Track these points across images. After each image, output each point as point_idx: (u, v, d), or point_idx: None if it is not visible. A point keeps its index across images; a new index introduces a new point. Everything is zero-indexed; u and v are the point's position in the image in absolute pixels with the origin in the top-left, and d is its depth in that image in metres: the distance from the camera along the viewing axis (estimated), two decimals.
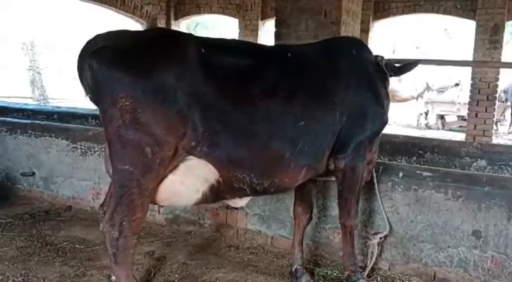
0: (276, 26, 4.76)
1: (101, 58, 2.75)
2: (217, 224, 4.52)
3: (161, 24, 13.66)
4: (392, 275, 3.75)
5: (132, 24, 13.30)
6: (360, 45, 3.49)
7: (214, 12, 13.70)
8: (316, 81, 3.12)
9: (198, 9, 13.94)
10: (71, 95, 16.53)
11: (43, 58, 17.72)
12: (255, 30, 12.67)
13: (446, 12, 10.98)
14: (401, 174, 3.67)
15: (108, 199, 3.31)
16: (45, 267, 3.76)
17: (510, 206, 3.35)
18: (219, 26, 16.12)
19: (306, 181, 3.45)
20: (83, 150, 5.07)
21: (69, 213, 5.10)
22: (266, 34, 12.37)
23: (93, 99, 2.92)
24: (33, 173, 5.43)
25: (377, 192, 3.65)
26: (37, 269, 3.73)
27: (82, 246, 4.22)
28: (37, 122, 5.80)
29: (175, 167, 2.90)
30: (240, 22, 13.00)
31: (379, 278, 3.71)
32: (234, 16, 13.24)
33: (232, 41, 3.37)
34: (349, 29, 4.69)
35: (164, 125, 2.72)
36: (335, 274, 3.76)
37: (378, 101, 3.28)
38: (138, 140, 2.71)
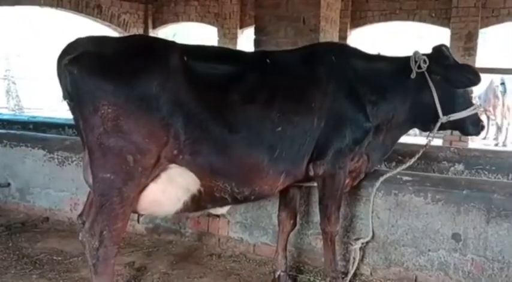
0: (256, 33, 4.78)
1: (82, 64, 2.70)
2: (199, 232, 4.48)
3: (139, 32, 13.56)
4: (374, 280, 3.76)
5: (110, 33, 13.19)
6: (341, 51, 3.48)
7: (192, 21, 13.70)
8: (294, 87, 3.12)
9: (176, 18, 13.92)
10: (46, 104, 16.31)
11: (18, 68, 17.44)
12: (234, 39, 12.70)
13: (421, 20, 11.19)
14: (381, 178, 3.69)
15: (87, 209, 3.24)
16: (22, 281, 3.67)
17: (489, 208, 3.40)
18: (198, 35, 16.10)
19: (290, 187, 3.47)
20: (60, 160, 4.98)
21: (46, 224, 4.98)
22: (246, 41, 12.40)
23: (72, 105, 2.87)
24: (9, 184, 5.31)
25: (371, 199, 3.66)
26: None
27: (60, 258, 4.13)
28: (12, 132, 5.67)
29: (157, 176, 2.87)
30: (218, 30, 13.02)
31: None
32: (213, 24, 13.26)
33: (213, 47, 3.38)
34: (328, 36, 4.73)
35: (147, 133, 2.70)
36: (318, 280, 3.77)
37: (358, 108, 3.24)
38: (120, 148, 2.68)
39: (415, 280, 3.64)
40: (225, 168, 2.90)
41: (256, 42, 4.76)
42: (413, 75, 3.28)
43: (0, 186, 5.32)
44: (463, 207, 3.46)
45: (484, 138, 14.78)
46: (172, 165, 2.85)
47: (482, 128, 3.50)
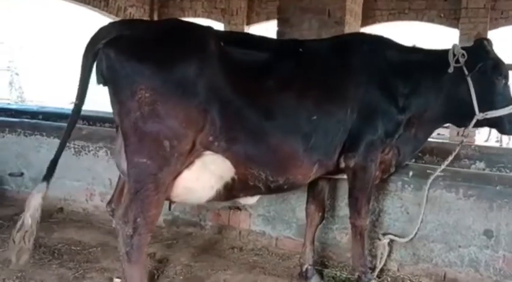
0: (279, 25, 4.71)
1: (120, 47, 2.66)
2: (219, 225, 4.41)
3: None
4: (401, 276, 3.70)
5: None
6: (374, 41, 3.41)
7: (199, 16, 13.61)
8: (328, 76, 3.09)
9: (182, 13, 13.83)
10: (48, 97, 16.17)
11: (22, 59, 17.29)
12: None
13: (430, 20, 11.16)
14: (411, 173, 3.63)
15: (117, 196, 3.18)
16: (42, 270, 3.59)
17: None
18: None
19: (319, 179, 3.42)
20: (77, 150, 4.89)
21: (61, 215, 4.90)
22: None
23: (109, 89, 2.81)
24: (22, 174, 5.21)
25: (424, 197, 3.53)
26: (33, 271, 3.54)
27: (78, 248, 4.05)
28: (26, 120, 5.58)
29: (191, 163, 2.82)
30: (225, 27, 12.94)
31: (388, 279, 3.66)
32: (219, 21, 13.18)
33: (247, 34, 3.32)
34: (352, 29, 4.67)
35: (183, 118, 2.65)
36: (344, 275, 3.70)
37: (391, 100, 3.18)
38: (157, 132, 2.64)
39: (444, 276, 3.59)
40: (261, 155, 2.87)
41: (279, 34, 4.69)
42: (450, 70, 3.20)
43: (13, 176, 5.23)
44: (495, 203, 3.41)
45: (486, 140, 14.76)
46: (207, 152, 2.80)
47: None
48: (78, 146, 4.87)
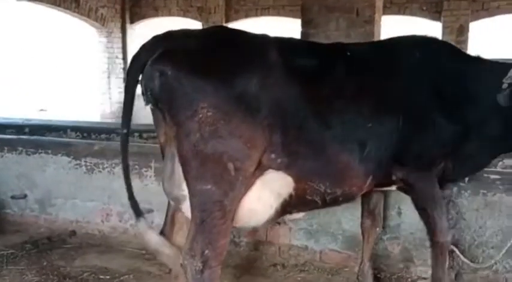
0: (303, 25, 4.46)
1: (175, 63, 2.38)
2: (256, 241, 4.14)
3: (116, 27, 12.97)
4: None
5: (87, 29, 12.54)
6: (428, 46, 3.11)
7: (173, 15, 13.17)
8: (381, 83, 2.86)
9: (155, 12, 13.36)
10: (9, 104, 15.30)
11: None
12: None
13: (412, 13, 11.19)
14: (467, 178, 3.48)
15: (169, 225, 2.88)
16: None
17: None
18: None
19: (373, 193, 3.23)
20: (89, 168, 4.51)
21: (75, 239, 4.52)
22: None
23: (161, 110, 2.51)
24: (25, 195, 4.78)
25: None
26: None
27: (108, 277, 3.74)
28: (25, 137, 5.12)
29: (253, 183, 2.58)
30: (203, 25, 12.53)
31: None
32: (196, 19, 12.80)
33: (299, 41, 3.10)
34: (378, 27, 4.49)
35: (248, 137, 2.42)
36: None
37: (444, 111, 2.90)
38: (220, 154, 2.38)
39: None
40: (322, 167, 2.68)
41: (304, 35, 4.43)
42: (504, 87, 2.84)
43: (15, 198, 4.79)
44: None
45: None
46: (268, 171, 2.57)
47: None
48: (91, 163, 4.49)
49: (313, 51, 2.90)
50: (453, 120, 2.91)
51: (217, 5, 12.31)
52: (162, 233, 2.93)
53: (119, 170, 4.39)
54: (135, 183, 4.27)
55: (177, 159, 2.52)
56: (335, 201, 2.86)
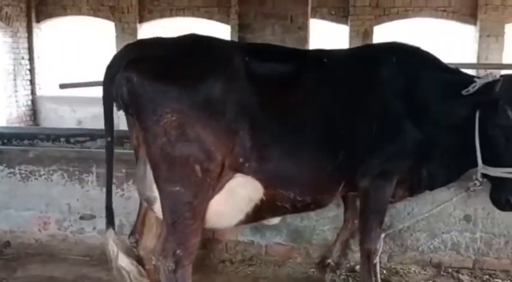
0: (240, 30, 4.63)
1: (140, 70, 2.48)
2: (203, 239, 4.23)
3: (22, 27, 12.22)
4: None
5: None
6: (405, 53, 3.09)
7: (83, 14, 12.67)
8: (354, 90, 2.93)
9: (63, 11, 12.75)
10: None
11: None
12: (133, 34, 12.06)
13: (322, 17, 11.79)
14: None
15: (140, 226, 2.93)
16: None
17: None
18: (91, 30, 14.94)
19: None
20: (23, 176, 4.33)
21: (11, 249, 4.32)
22: (146, 37, 11.87)
23: (132, 115, 2.59)
24: None
25: None
26: None
27: None
28: None
29: (222, 187, 2.69)
30: (116, 25, 12.26)
31: None
32: (108, 19, 12.43)
33: (270, 46, 3.23)
34: (309, 33, 4.80)
35: (213, 141, 2.52)
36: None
37: (415, 119, 2.92)
38: (187, 157, 2.49)
39: None
40: (291, 174, 2.76)
41: (241, 40, 4.62)
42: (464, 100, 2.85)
43: None
44: None
45: None
46: (237, 175, 2.68)
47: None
48: (26, 171, 4.32)
49: (284, 57, 2.95)
50: (420, 130, 2.92)
51: (130, 5, 12.07)
52: (133, 233, 2.98)
53: (57, 176, 4.31)
54: (76, 189, 4.29)
55: (148, 162, 2.60)
56: (306, 208, 2.96)
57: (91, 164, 4.26)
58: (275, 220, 3.14)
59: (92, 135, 4.63)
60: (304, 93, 2.82)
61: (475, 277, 3.81)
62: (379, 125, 2.89)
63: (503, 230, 3.84)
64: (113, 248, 2.72)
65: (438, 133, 2.95)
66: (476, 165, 2.93)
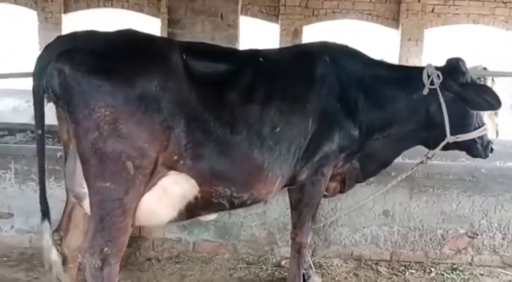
0: (169, 25, 4.58)
1: (74, 62, 2.39)
2: (129, 237, 4.17)
3: None
4: None
5: None
6: (336, 52, 3.24)
7: (3, 1, 11.92)
8: (289, 87, 2.99)
9: None
10: None
11: None
12: (58, 24, 11.56)
13: (253, 15, 11.91)
14: None
15: (66, 222, 2.83)
16: None
17: None
18: (11, 19, 14.03)
19: None
20: None
21: None
22: (71, 27, 11.40)
23: (62, 108, 2.50)
24: None
25: None
26: None
27: None
28: None
29: (154, 184, 2.65)
30: (39, 14, 11.65)
31: None
32: (31, 7, 11.79)
33: (208, 45, 3.20)
34: (239, 31, 4.84)
35: (146, 137, 2.48)
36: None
37: (349, 114, 3.07)
38: (119, 153, 2.44)
39: None
40: (227, 171, 2.77)
41: (171, 35, 4.57)
42: (425, 92, 3.13)
43: None
44: None
45: None
46: (171, 172, 2.66)
47: (492, 150, 3.33)
48: None
49: (221, 56, 2.96)
50: (357, 123, 3.09)
51: None
52: (58, 230, 2.87)
53: None
54: None
55: (78, 157, 2.51)
56: (243, 204, 2.95)
57: (9, 160, 4.05)
58: (211, 216, 3.14)
59: (10, 129, 4.39)
60: (240, 92, 2.84)
61: (392, 268, 4.04)
62: (315, 121, 2.98)
63: (418, 224, 4.10)
64: (47, 241, 2.60)
65: (377, 123, 3.17)
66: (427, 142, 3.31)
